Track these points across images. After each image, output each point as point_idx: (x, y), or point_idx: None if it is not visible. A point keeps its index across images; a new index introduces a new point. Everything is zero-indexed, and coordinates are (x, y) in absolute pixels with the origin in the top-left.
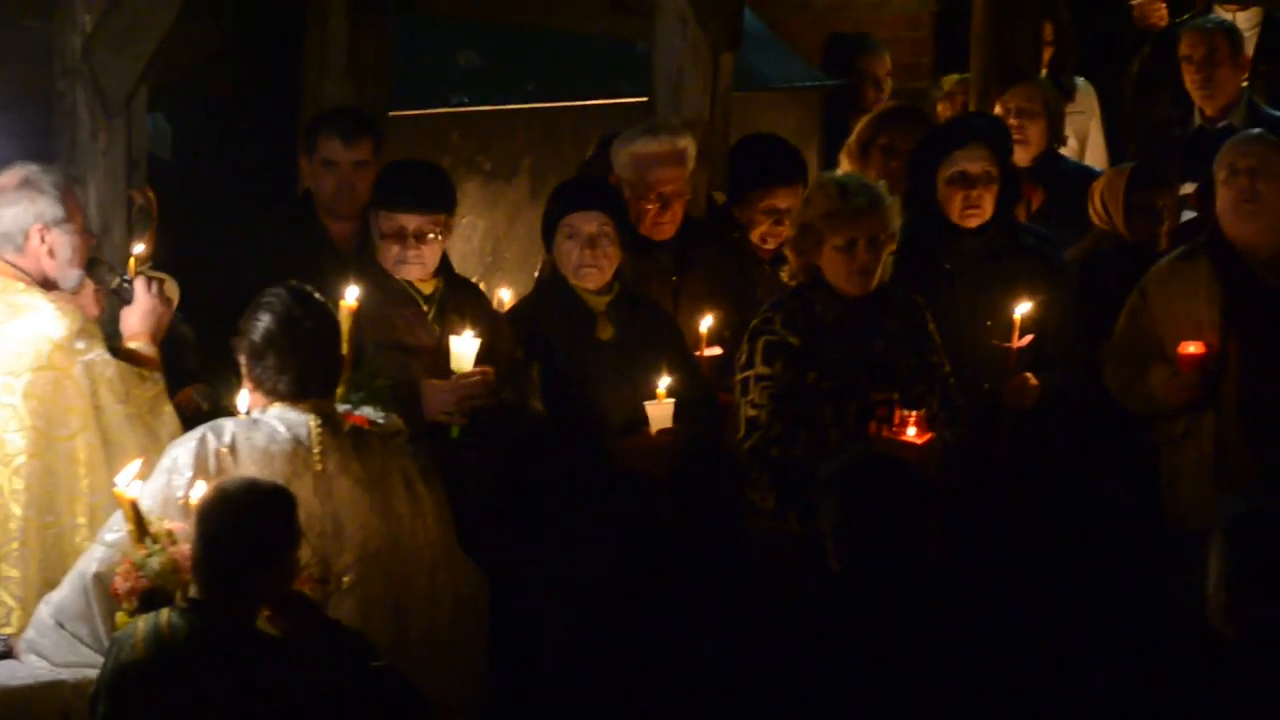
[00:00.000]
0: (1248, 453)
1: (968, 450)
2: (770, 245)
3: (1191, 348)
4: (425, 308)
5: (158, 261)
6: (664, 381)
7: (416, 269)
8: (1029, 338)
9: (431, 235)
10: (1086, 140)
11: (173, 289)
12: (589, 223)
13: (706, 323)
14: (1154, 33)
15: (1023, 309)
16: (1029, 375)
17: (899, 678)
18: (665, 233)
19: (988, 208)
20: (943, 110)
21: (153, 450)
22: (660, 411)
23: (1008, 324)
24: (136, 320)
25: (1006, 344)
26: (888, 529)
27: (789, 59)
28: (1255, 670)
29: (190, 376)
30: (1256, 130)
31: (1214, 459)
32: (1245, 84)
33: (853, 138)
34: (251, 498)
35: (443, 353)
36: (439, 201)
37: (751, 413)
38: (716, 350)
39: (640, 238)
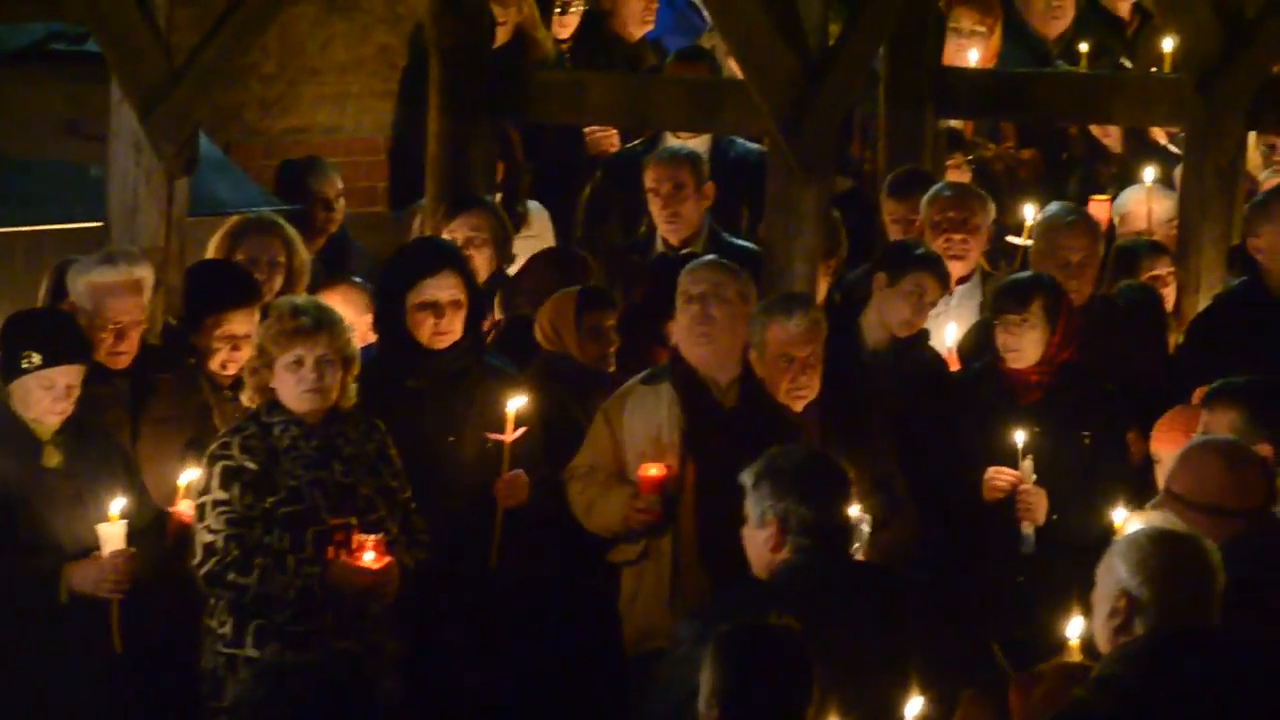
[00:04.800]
0: (703, 574)
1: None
2: (230, 371)
3: (653, 470)
4: None
5: None
6: (116, 504)
7: None
8: (522, 430)
9: None
10: None
11: None
12: None
13: (189, 475)
14: (605, 159)
15: (516, 404)
16: (521, 471)
17: None
18: (121, 362)
19: (457, 329)
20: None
21: None
22: (112, 532)
23: (500, 418)
24: None
25: (499, 438)
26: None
27: (244, 184)
28: None
29: None
30: (710, 256)
31: (671, 580)
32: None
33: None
34: None
35: None
36: None
37: (208, 538)
38: None
39: (97, 366)
